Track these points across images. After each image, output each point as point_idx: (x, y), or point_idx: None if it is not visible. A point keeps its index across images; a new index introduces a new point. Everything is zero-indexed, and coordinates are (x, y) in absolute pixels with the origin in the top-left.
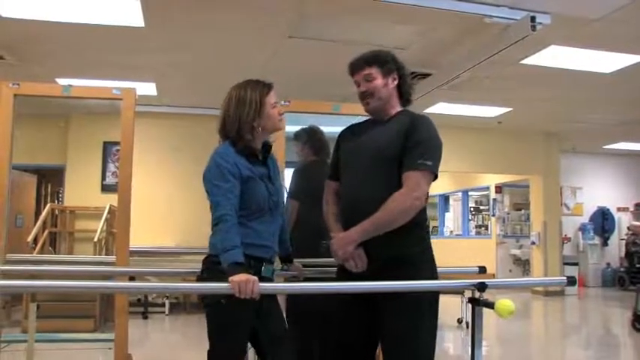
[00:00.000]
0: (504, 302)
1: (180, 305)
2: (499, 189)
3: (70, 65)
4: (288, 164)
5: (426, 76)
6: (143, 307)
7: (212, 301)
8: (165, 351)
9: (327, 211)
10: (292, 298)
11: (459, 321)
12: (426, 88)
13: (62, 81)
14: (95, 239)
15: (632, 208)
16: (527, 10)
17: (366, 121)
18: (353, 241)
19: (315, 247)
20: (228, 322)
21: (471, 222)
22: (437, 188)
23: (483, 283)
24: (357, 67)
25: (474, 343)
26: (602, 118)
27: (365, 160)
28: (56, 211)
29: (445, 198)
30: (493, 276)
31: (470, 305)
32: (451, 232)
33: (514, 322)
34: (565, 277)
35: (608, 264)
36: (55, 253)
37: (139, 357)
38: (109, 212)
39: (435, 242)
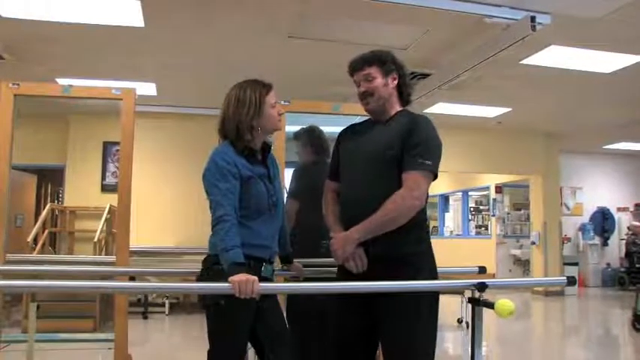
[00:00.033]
0: (504, 302)
1: (180, 305)
2: (499, 189)
3: (70, 65)
4: (288, 164)
5: (425, 76)
6: (143, 307)
7: (212, 301)
8: (165, 351)
9: (327, 211)
10: (292, 298)
11: (459, 321)
12: (426, 88)
13: (62, 81)
14: (95, 239)
15: (632, 208)
16: (527, 10)
17: (365, 121)
18: (353, 241)
19: (315, 247)
20: (228, 323)
21: (471, 222)
22: (437, 188)
23: (483, 283)
24: (357, 66)
25: (474, 343)
26: (602, 118)
27: (365, 160)
28: (56, 211)
29: (445, 198)
30: (493, 276)
31: (470, 305)
32: (451, 232)
33: (514, 322)
34: (565, 277)
35: (608, 264)
36: (55, 253)
37: (138, 357)
38: (109, 212)
39: (435, 242)
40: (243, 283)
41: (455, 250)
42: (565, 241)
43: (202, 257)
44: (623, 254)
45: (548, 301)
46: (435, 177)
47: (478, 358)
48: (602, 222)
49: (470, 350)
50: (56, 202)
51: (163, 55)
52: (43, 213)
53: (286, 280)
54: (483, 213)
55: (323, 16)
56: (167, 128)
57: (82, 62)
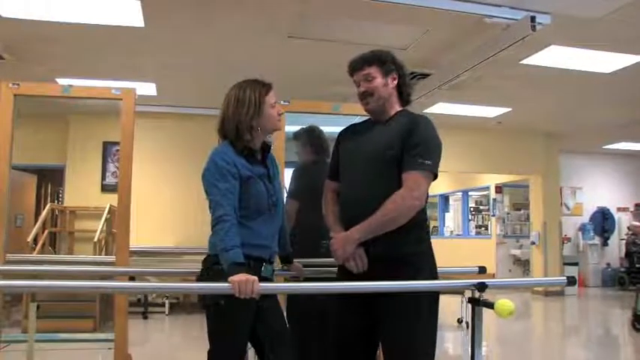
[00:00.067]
0: (504, 302)
1: (180, 305)
2: (499, 189)
3: (70, 65)
4: (288, 164)
5: (425, 76)
6: (143, 307)
7: (211, 301)
8: (165, 351)
9: (327, 211)
10: (292, 298)
11: (459, 321)
12: (426, 88)
13: (62, 81)
14: (95, 239)
15: (632, 208)
16: (527, 10)
17: (365, 121)
18: (353, 241)
19: (315, 247)
20: (228, 323)
21: (471, 222)
22: (437, 188)
23: (483, 283)
24: (356, 66)
25: (474, 343)
26: (602, 118)
27: (365, 160)
28: (56, 211)
29: (445, 198)
30: (493, 276)
31: (470, 305)
32: (451, 232)
33: (514, 322)
34: (565, 277)
35: (608, 264)
36: (55, 253)
37: (138, 357)
38: (109, 212)
39: (435, 242)
40: (243, 283)
41: (455, 250)
42: (565, 241)
43: (202, 257)
44: (623, 254)
45: (548, 301)
46: (435, 177)
47: (478, 358)
48: (602, 222)
49: (470, 350)
50: (56, 202)
51: (163, 55)
52: (43, 213)
53: (286, 280)
54: (483, 213)
55: (323, 16)
56: (167, 128)
57: (82, 62)
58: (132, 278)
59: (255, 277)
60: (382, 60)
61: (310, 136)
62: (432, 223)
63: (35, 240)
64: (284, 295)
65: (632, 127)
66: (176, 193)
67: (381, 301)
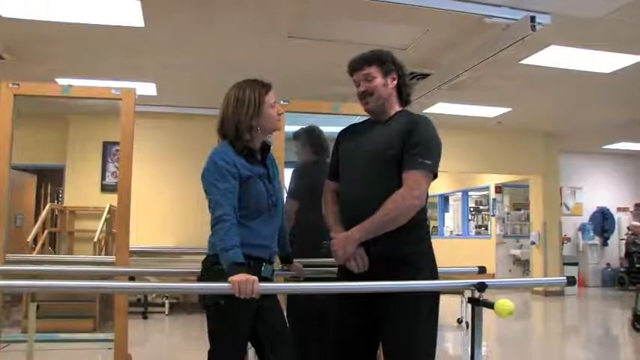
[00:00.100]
0: (504, 302)
1: (180, 305)
2: (499, 189)
3: (70, 65)
4: (288, 164)
5: (425, 76)
6: (143, 307)
7: (212, 301)
8: (165, 351)
9: (327, 211)
10: (292, 298)
11: (459, 321)
12: (426, 88)
13: (62, 81)
14: (95, 239)
15: (632, 208)
16: (527, 10)
17: (365, 121)
18: (354, 241)
19: (316, 247)
20: (228, 323)
21: (471, 222)
22: (437, 188)
23: (483, 283)
24: (356, 66)
25: (474, 343)
26: (602, 118)
27: (365, 160)
28: (56, 211)
29: (445, 198)
30: (493, 276)
31: (470, 305)
32: (451, 232)
33: (514, 322)
34: (565, 277)
35: (608, 264)
36: (55, 253)
37: (138, 357)
38: (108, 212)
39: (434, 242)
40: (242, 283)
41: (455, 250)
42: (565, 241)
43: (202, 257)
44: (622, 254)
45: (548, 301)
46: (435, 177)
47: (478, 358)
48: (602, 222)
49: (470, 350)
50: (56, 202)
51: (163, 55)
52: (43, 213)
53: (286, 280)
54: (483, 213)
55: (323, 16)
56: (167, 128)
57: (82, 62)
58: (132, 278)
59: (255, 277)
60: (382, 60)
61: (310, 136)
62: (431, 223)
63: (35, 240)
64: (284, 295)
65: (632, 127)
66: (176, 193)
67: (381, 301)
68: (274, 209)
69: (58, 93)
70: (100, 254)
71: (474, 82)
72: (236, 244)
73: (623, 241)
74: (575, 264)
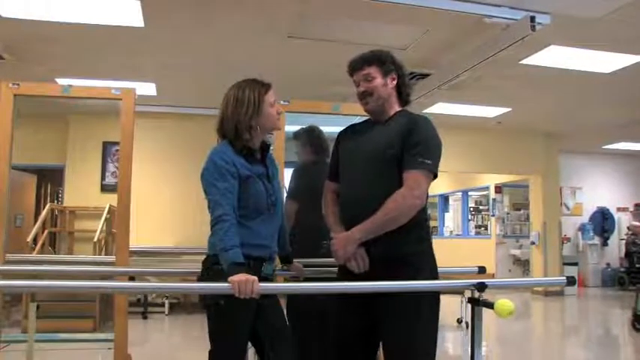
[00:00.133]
0: (504, 302)
1: (180, 305)
2: (499, 189)
3: (70, 65)
4: (288, 164)
5: (425, 76)
6: (143, 307)
7: (212, 301)
8: (164, 351)
9: (327, 212)
10: (292, 298)
11: (459, 321)
12: (426, 88)
13: (62, 81)
14: (95, 239)
15: (632, 208)
16: (527, 10)
17: (365, 121)
18: (354, 241)
19: (315, 247)
20: (228, 322)
21: (471, 222)
22: (437, 188)
23: (483, 283)
24: (356, 66)
25: (474, 343)
26: (602, 118)
27: (364, 161)
28: (56, 211)
29: (445, 198)
30: (492, 276)
31: (469, 305)
32: (451, 232)
33: (514, 322)
34: (565, 277)
35: (608, 264)
36: (55, 253)
37: (138, 357)
38: (108, 212)
39: (434, 242)
40: (242, 283)
41: (454, 250)
42: (565, 241)
43: (202, 257)
44: (622, 254)
45: (548, 301)
46: (435, 176)
47: (478, 358)
48: (602, 222)
49: (470, 350)
50: (56, 202)
51: (163, 55)
52: (43, 213)
53: (286, 280)
54: (483, 213)
55: (323, 16)
56: (167, 128)
57: (82, 62)
58: (132, 278)
59: (255, 277)
60: (382, 60)
61: (310, 136)
62: (431, 223)
63: (35, 240)
64: (284, 295)
65: (631, 127)
66: (176, 193)
67: (381, 301)
68: (274, 209)
69: (58, 93)
70: (100, 254)
71: (474, 82)
72: (235, 244)
73: (623, 241)
74: (575, 264)
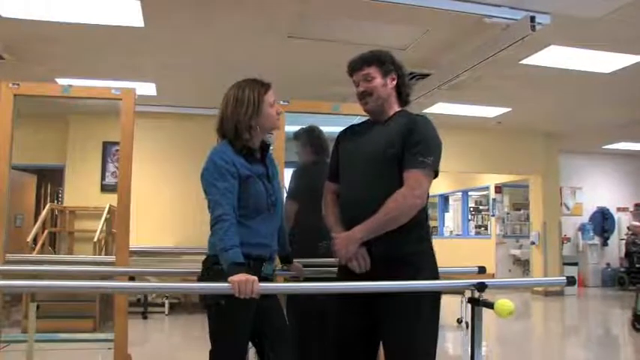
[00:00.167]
0: (504, 302)
1: (180, 305)
2: (499, 189)
3: (70, 65)
4: (288, 164)
5: (425, 76)
6: (143, 307)
7: (212, 301)
8: (164, 351)
9: (328, 212)
10: (292, 298)
11: (459, 321)
12: (426, 88)
13: (62, 81)
14: (95, 239)
15: (632, 208)
16: (527, 10)
17: (365, 121)
18: (355, 241)
19: (315, 247)
20: (228, 322)
21: (471, 222)
22: (437, 188)
23: (483, 283)
24: (356, 66)
25: (474, 343)
26: (602, 118)
27: (365, 161)
28: (56, 211)
29: (445, 198)
30: (492, 276)
31: (470, 305)
32: (451, 232)
33: (514, 322)
34: (565, 277)
35: (608, 264)
36: (55, 253)
37: (138, 357)
38: (108, 212)
39: (434, 242)
40: (242, 283)
41: (454, 250)
42: (565, 241)
43: (202, 257)
44: (622, 254)
45: (548, 301)
46: (436, 175)
47: (478, 358)
48: (602, 222)
49: (470, 350)
50: (56, 202)
51: (163, 55)
52: (43, 213)
53: (286, 280)
54: (483, 213)
55: (323, 16)
56: (167, 128)
57: (82, 62)
58: (132, 278)
59: (255, 277)
60: (381, 60)
61: (310, 137)
62: (431, 223)
63: (35, 240)
64: (284, 295)
65: (631, 127)
66: (176, 193)
67: (382, 301)
68: (273, 209)
69: (58, 93)
70: (100, 254)
71: (474, 82)
72: (235, 244)
73: (623, 241)
74: (575, 264)
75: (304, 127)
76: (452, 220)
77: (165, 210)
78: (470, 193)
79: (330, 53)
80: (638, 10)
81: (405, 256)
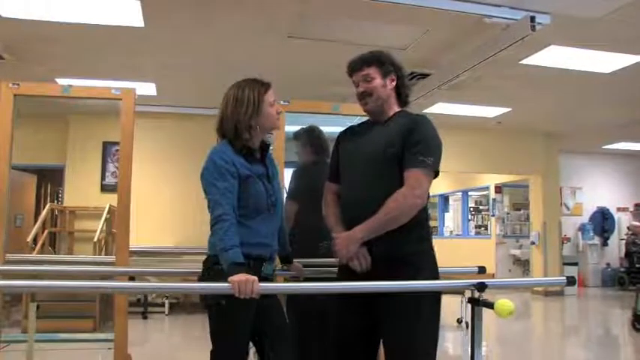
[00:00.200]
0: (504, 302)
1: (180, 305)
2: (499, 189)
3: (70, 65)
4: (288, 164)
5: (425, 76)
6: (143, 307)
7: (213, 301)
8: (164, 351)
9: (328, 212)
10: (292, 298)
11: (459, 321)
12: (426, 88)
13: (62, 81)
14: (95, 239)
15: (631, 208)
16: (527, 10)
17: (364, 122)
18: (356, 241)
19: (315, 247)
20: (229, 322)
21: (471, 222)
22: (437, 188)
23: (483, 283)
24: (355, 67)
25: (474, 343)
26: (602, 118)
27: (365, 161)
28: (56, 211)
29: (445, 198)
30: (492, 276)
31: (469, 305)
32: (451, 232)
33: (514, 322)
34: (565, 277)
35: (608, 264)
36: (55, 253)
37: (138, 357)
38: (108, 212)
39: (434, 242)
40: (242, 283)
41: (454, 250)
42: (565, 241)
43: (202, 257)
44: (622, 254)
45: (548, 301)
46: (436, 175)
47: (478, 358)
48: (602, 222)
49: (470, 350)
50: (56, 202)
51: (163, 55)
52: (43, 213)
53: (286, 280)
54: (483, 213)
55: (323, 16)
56: (167, 128)
57: (82, 62)
58: (132, 278)
59: (255, 277)
60: (381, 61)
61: (310, 137)
62: (432, 223)
63: (35, 240)
64: (284, 295)
65: (631, 127)
66: (176, 193)
67: (382, 301)
68: (273, 209)
69: (58, 93)
70: (100, 254)
71: (474, 82)
72: (235, 244)
73: (623, 241)
74: (575, 264)
75: (304, 127)
76: (452, 220)
77: (165, 210)
78: (470, 193)
79: (330, 53)
80: (638, 10)
81: (406, 256)
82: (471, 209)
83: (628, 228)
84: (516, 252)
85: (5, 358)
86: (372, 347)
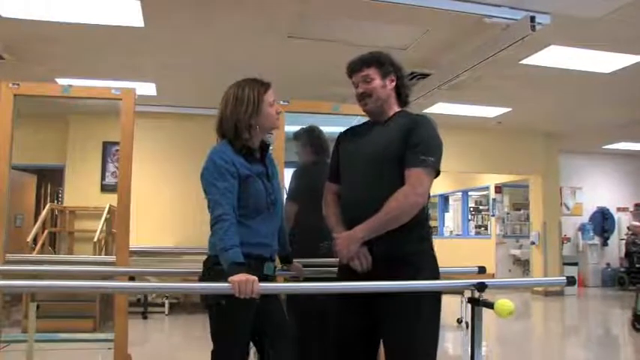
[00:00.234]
0: (504, 302)
1: (180, 305)
2: (499, 189)
3: (70, 65)
4: (288, 164)
5: (425, 76)
6: (143, 307)
7: (213, 301)
8: (164, 351)
9: (328, 213)
10: (292, 298)
11: (459, 321)
12: (426, 88)
13: (62, 81)
14: (95, 239)
15: (631, 208)
16: (527, 10)
17: (365, 122)
18: (357, 240)
19: (316, 247)
20: (229, 322)
21: (471, 222)
22: (437, 188)
23: (483, 283)
24: (355, 68)
25: (474, 343)
26: (602, 118)
27: (365, 161)
28: (56, 211)
29: (445, 198)
30: (492, 276)
31: (470, 305)
32: (451, 232)
33: (514, 322)
34: (565, 277)
35: (608, 264)
36: (55, 253)
37: (138, 357)
38: (108, 212)
39: (435, 242)
40: (242, 283)
41: (454, 250)
42: (565, 241)
43: (202, 257)
44: (622, 254)
45: (548, 301)
46: (437, 174)
47: (478, 358)
48: (602, 222)
49: (470, 350)
50: (56, 202)
51: (163, 55)
52: (43, 213)
53: (286, 280)
54: (483, 213)
55: (323, 16)
56: (167, 128)
57: (82, 62)
58: (132, 278)
59: (255, 277)
60: (381, 61)
61: (310, 137)
62: (432, 223)
63: (35, 240)
64: (284, 295)
65: (632, 127)
66: (176, 193)
67: (382, 301)
68: (273, 208)
69: (58, 93)
70: (100, 254)
71: (474, 82)
72: (235, 244)
73: (623, 241)
74: (575, 264)
75: (304, 127)
76: (452, 220)
77: (165, 210)
78: (470, 193)
79: (330, 53)
80: (638, 10)
81: (406, 256)
82: (471, 209)
83: (628, 228)
84: (516, 252)
85: (5, 358)
86: (372, 347)
